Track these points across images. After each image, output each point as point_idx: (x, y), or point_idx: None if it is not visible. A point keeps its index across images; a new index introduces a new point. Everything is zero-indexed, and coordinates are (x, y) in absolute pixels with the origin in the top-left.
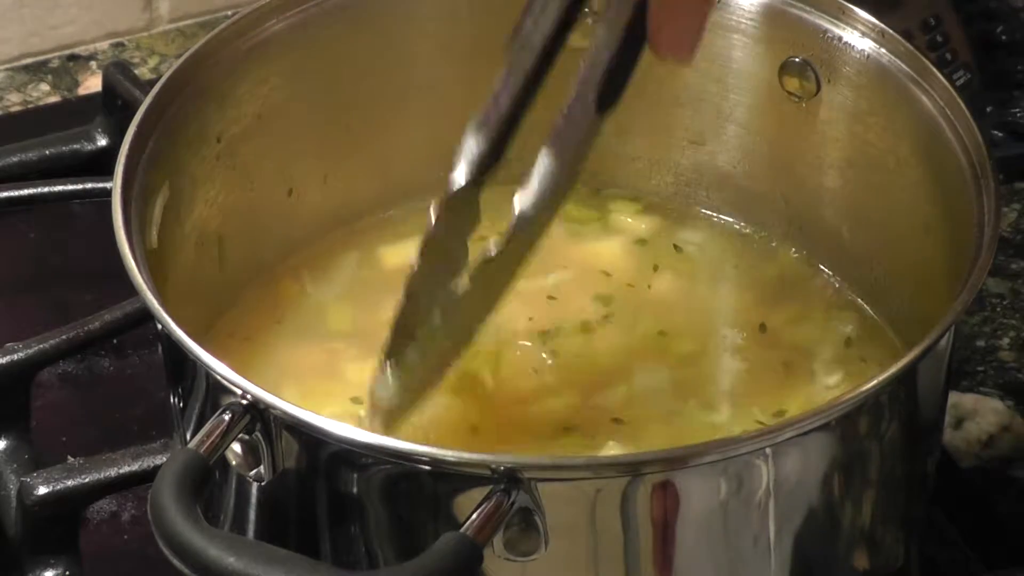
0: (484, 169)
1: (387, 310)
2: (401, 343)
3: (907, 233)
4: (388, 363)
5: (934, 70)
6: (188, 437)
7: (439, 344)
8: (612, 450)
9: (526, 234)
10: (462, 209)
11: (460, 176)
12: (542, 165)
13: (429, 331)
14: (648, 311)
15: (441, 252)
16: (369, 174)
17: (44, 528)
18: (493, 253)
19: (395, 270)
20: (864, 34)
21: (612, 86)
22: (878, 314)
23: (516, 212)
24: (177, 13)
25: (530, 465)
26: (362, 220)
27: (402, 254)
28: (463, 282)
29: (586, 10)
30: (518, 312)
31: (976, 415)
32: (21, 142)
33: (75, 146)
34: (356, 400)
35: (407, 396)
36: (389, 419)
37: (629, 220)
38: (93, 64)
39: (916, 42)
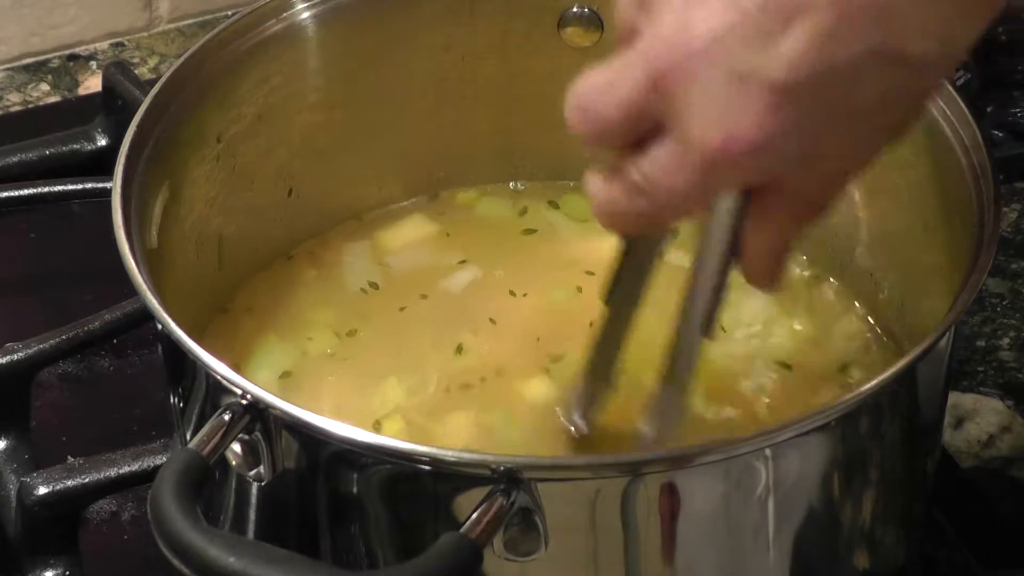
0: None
1: (386, 308)
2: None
3: (907, 233)
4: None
5: None
6: (188, 437)
7: None
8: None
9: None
10: None
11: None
12: (661, 396)
13: None
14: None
15: None
16: (369, 174)
17: (44, 528)
18: None
19: (395, 270)
20: None
21: (713, 311)
22: (878, 314)
23: (642, 438)
24: (177, 13)
25: (530, 465)
26: (362, 220)
27: (402, 251)
28: None
29: (585, 10)
30: (528, 315)
31: (976, 415)
32: (21, 142)
33: (75, 146)
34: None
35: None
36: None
37: None
38: (93, 64)
39: None
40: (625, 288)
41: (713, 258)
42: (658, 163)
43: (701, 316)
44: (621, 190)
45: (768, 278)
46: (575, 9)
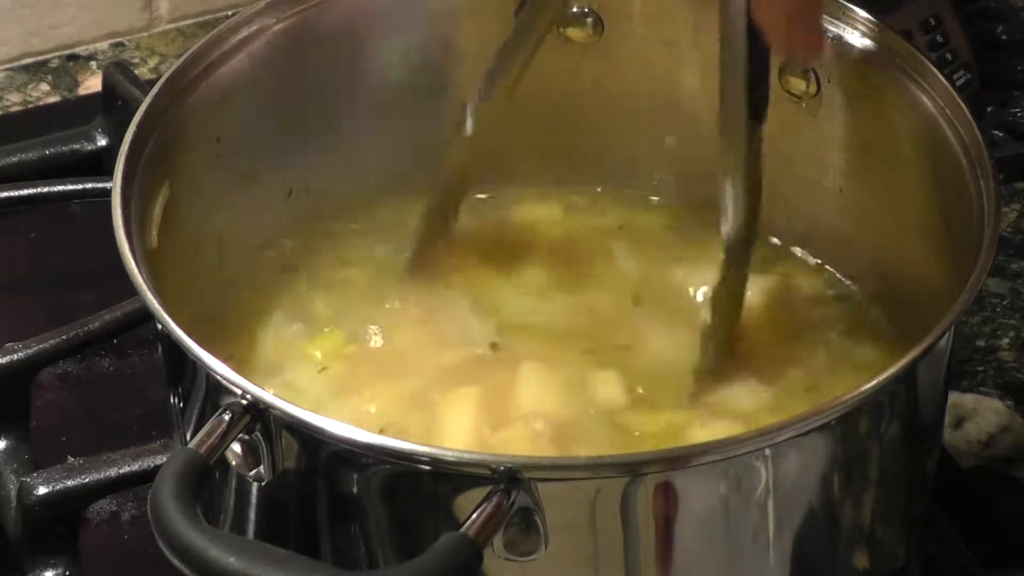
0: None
1: (384, 309)
2: None
3: (907, 233)
4: None
5: (934, 70)
6: (188, 437)
7: None
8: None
9: (738, 255)
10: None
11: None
12: (727, 189)
13: None
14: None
15: None
16: (370, 175)
17: (44, 528)
18: (713, 292)
19: (395, 272)
20: (864, 34)
21: (758, 94)
22: (878, 314)
23: (724, 240)
24: (177, 13)
25: (530, 465)
26: (361, 221)
27: (404, 255)
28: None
29: (585, 10)
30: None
31: (976, 415)
32: (21, 142)
33: (75, 146)
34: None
35: None
36: None
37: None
38: (93, 64)
39: (916, 42)
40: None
41: (736, 27)
42: None
43: (744, 102)
44: None
45: (789, 43)
46: (575, 9)
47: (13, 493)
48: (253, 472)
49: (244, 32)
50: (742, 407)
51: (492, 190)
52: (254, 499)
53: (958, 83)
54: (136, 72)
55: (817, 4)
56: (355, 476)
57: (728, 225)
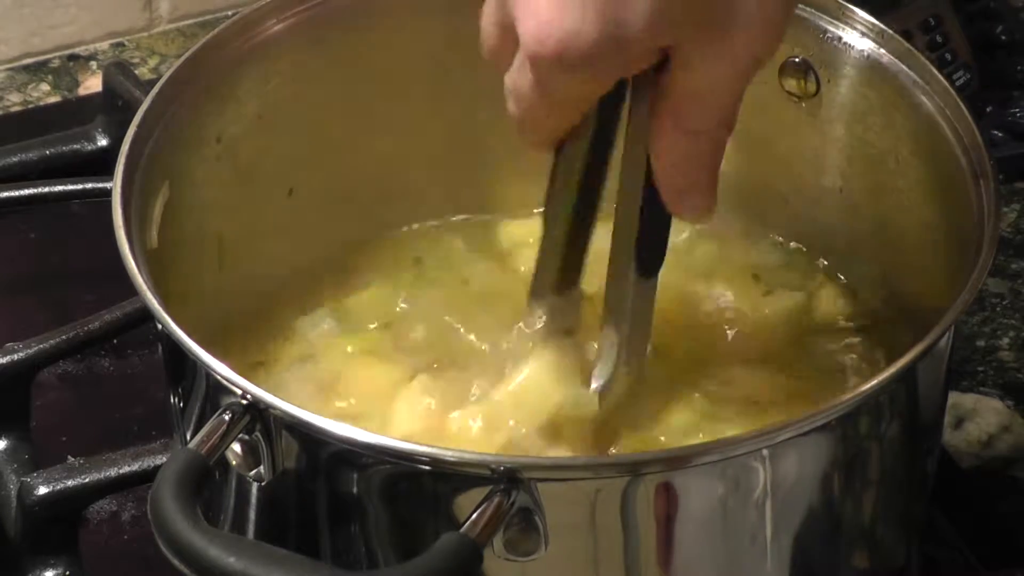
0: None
1: (385, 311)
2: None
3: (907, 233)
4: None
5: (934, 70)
6: (188, 437)
7: None
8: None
9: (609, 403)
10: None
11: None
12: (605, 339)
13: None
14: None
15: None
16: (370, 175)
17: (44, 528)
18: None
19: (396, 273)
20: (864, 34)
21: (651, 249)
22: (878, 314)
23: (593, 388)
24: (177, 13)
25: (530, 465)
26: (361, 221)
27: (405, 256)
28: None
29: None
30: None
31: (976, 415)
32: (21, 142)
33: (75, 146)
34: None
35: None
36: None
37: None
38: (93, 64)
39: (916, 42)
40: (559, 198)
41: (633, 178)
42: (513, 67)
43: (633, 255)
44: (508, 95)
45: (678, 200)
46: None
47: (13, 493)
48: (253, 472)
49: (244, 32)
50: (736, 408)
51: (488, 212)
52: (254, 499)
53: (958, 83)
54: (136, 72)
55: (714, 170)
56: (355, 476)
57: (599, 371)
